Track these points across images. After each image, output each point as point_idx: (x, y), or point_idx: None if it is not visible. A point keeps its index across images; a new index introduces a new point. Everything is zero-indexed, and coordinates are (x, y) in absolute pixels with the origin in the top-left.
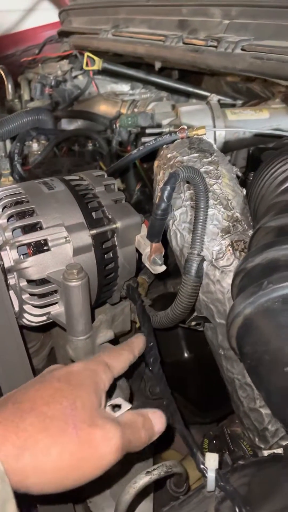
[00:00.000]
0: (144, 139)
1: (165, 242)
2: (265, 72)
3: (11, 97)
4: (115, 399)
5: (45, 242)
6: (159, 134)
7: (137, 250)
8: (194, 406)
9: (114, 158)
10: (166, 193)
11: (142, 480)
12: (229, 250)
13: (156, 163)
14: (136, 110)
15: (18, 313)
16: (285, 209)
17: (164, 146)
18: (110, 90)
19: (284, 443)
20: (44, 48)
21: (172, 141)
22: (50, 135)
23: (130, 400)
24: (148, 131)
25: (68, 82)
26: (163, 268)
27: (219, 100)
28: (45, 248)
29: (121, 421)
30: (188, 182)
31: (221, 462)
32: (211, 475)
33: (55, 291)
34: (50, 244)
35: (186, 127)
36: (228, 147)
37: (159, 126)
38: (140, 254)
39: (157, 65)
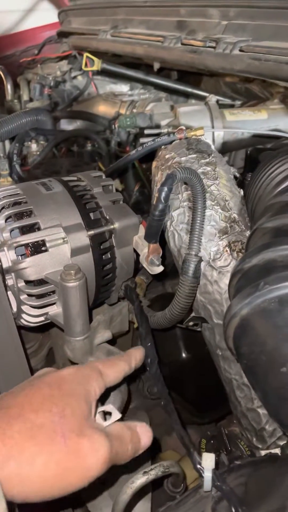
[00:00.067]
0: (142, 140)
1: (163, 243)
2: (263, 73)
3: (10, 97)
4: (106, 406)
5: (43, 242)
6: (158, 134)
7: (135, 250)
8: (192, 406)
9: (113, 159)
10: (163, 194)
11: (139, 480)
12: (226, 250)
13: (154, 163)
14: (135, 110)
15: (16, 313)
16: (282, 210)
17: (163, 147)
18: (109, 91)
19: (281, 443)
20: (44, 48)
21: (171, 142)
22: (49, 135)
23: (128, 402)
24: (146, 131)
25: (67, 82)
26: (160, 268)
27: (218, 101)
28: (43, 248)
29: (109, 433)
30: (185, 183)
31: (218, 462)
32: (207, 475)
33: (53, 292)
34: (48, 244)
35: (184, 128)
36: (226, 148)
37: (157, 126)
38: (138, 255)
39: (156, 65)
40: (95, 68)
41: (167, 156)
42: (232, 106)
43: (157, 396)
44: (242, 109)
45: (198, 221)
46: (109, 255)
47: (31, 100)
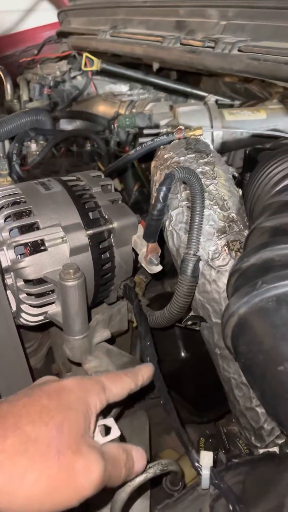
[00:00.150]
0: (141, 140)
1: (162, 242)
2: (261, 73)
3: (10, 97)
4: (107, 420)
5: (42, 242)
6: (157, 134)
7: (134, 250)
8: (191, 405)
9: (112, 159)
10: (162, 194)
11: (137, 478)
12: (225, 250)
13: (153, 163)
14: (134, 110)
15: (15, 312)
16: (280, 209)
17: (161, 146)
18: (108, 91)
19: (279, 441)
20: (43, 48)
21: (169, 142)
22: (48, 135)
23: (126, 403)
24: (145, 131)
25: (66, 82)
26: (159, 268)
27: (217, 101)
28: (42, 248)
29: (105, 453)
30: (184, 183)
31: (216, 461)
32: (205, 473)
33: (52, 291)
34: (47, 244)
35: (183, 128)
36: (225, 148)
37: (157, 126)
38: (137, 254)
39: (155, 65)
40: (94, 68)
41: (166, 156)
42: (231, 106)
43: (156, 395)
44: (241, 109)
45: (197, 221)
46: (108, 254)
47: (30, 100)
